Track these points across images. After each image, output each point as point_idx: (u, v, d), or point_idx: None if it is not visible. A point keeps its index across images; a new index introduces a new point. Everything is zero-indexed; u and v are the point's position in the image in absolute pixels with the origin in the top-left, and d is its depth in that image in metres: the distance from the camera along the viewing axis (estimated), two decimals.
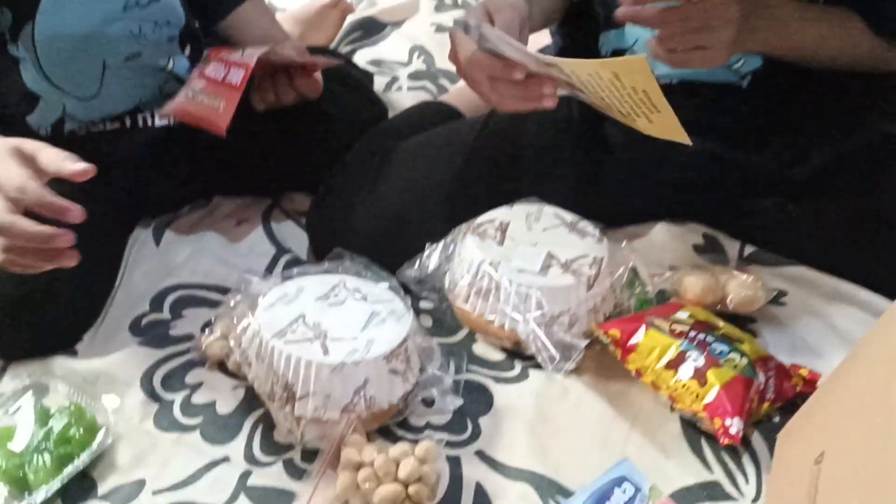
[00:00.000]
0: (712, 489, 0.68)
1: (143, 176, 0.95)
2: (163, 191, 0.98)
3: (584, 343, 0.74)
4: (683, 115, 0.89)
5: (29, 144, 0.64)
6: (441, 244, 0.83)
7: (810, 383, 0.72)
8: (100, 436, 0.71)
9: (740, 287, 0.78)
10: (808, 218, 0.87)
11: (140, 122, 0.95)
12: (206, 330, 0.81)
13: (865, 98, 0.88)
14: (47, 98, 0.89)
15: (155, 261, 0.92)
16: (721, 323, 0.75)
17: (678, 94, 0.88)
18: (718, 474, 0.69)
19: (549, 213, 0.84)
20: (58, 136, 0.91)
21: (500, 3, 0.76)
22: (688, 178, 0.92)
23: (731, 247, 0.91)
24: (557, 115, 0.94)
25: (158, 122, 0.95)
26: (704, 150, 0.89)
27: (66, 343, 0.81)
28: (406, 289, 0.81)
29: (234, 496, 0.68)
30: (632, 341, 0.72)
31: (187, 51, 0.96)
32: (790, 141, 0.89)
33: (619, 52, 0.90)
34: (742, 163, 0.89)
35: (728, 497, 0.67)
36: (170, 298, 0.87)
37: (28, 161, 0.63)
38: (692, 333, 0.72)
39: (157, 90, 0.94)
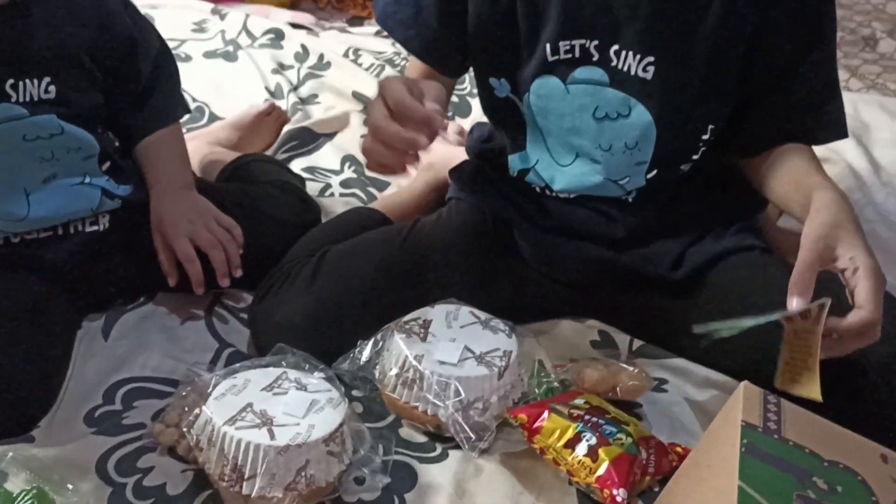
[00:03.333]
0: None
1: (81, 276, 1.03)
2: (103, 289, 1.05)
3: (494, 424, 0.85)
4: (581, 226, 1.05)
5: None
6: (371, 341, 0.94)
7: (684, 458, 0.86)
8: None
9: (628, 378, 0.92)
10: (685, 315, 1.02)
11: (72, 229, 1.02)
12: (158, 418, 0.89)
13: (727, 213, 1.06)
14: None
15: (105, 354, 1.00)
16: (611, 408, 0.88)
17: (576, 205, 1.04)
18: None
19: (466, 311, 0.97)
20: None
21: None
22: (585, 280, 1.07)
23: (623, 341, 1.06)
24: (474, 221, 1.09)
25: (89, 227, 1.03)
26: (599, 256, 1.05)
27: (21, 428, 0.88)
28: (340, 378, 0.92)
29: None
30: (537, 424, 0.84)
31: (106, 166, 1.03)
32: (669, 248, 1.05)
33: (524, 171, 1.05)
34: (630, 267, 1.05)
35: None
36: (121, 391, 0.95)
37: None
38: (587, 417, 0.84)
39: (85, 204, 1.01)
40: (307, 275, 1.01)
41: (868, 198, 1.27)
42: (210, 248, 1.02)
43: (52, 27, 0.95)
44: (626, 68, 0.93)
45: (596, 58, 0.94)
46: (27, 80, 0.93)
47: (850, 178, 1.30)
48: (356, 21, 2.14)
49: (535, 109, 0.99)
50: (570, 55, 0.94)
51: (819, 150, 1.25)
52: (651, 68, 0.92)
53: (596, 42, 0.93)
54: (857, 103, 1.50)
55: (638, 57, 0.92)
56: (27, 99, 0.94)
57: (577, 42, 0.93)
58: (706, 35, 0.91)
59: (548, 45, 0.94)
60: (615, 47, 0.93)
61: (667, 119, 0.95)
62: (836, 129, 0.98)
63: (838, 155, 1.34)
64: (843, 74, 1.88)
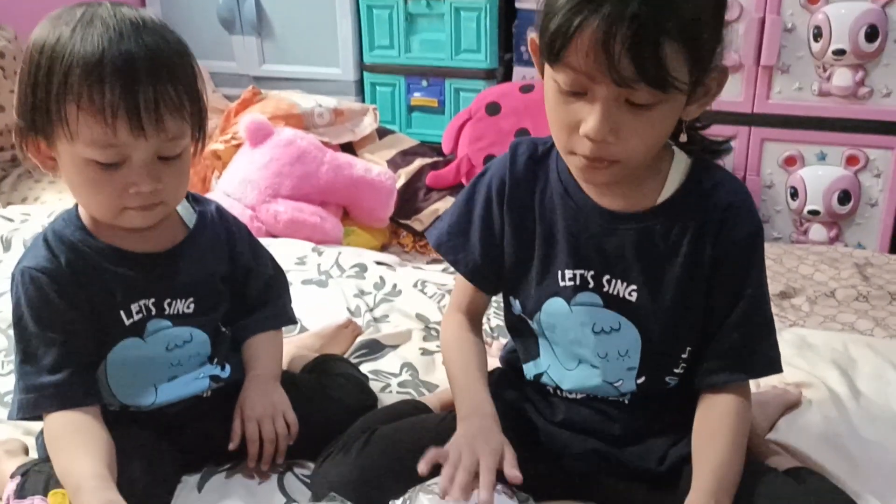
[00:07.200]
0: None
1: (183, 433, 1.32)
2: (199, 448, 1.34)
3: None
4: (585, 423, 1.29)
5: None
6: (400, 500, 1.18)
7: None
8: None
9: None
10: (665, 502, 1.22)
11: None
12: None
13: None
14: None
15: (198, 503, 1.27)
16: None
17: (580, 405, 1.29)
18: None
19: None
20: (123, 411, 1.30)
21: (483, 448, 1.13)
22: (586, 469, 1.29)
23: None
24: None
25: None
26: (598, 449, 1.28)
27: None
28: None
29: None
30: None
31: (215, 360, 1.35)
32: (657, 446, 1.28)
33: (538, 375, 1.32)
34: (624, 460, 1.28)
35: None
36: None
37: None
38: None
39: (198, 389, 1.33)
40: (359, 446, 1.27)
41: (845, 418, 1.46)
42: (267, 442, 1.31)
43: (199, 262, 1.32)
44: (615, 293, 1.22)
45: (591, 285, 1.23)
46: (176, 300, 1.30)
47: (830, 402, 1.50)
48: (435, 263, 2.46)
49: (545, 325, 1.28)
50: (572, 282, 1.24)
51: (802, 376, 1.49)
52: (635, 293, 1.21)
53: (592, 272, 1.23)
54: (846, 343, 1.73)
55: (624, 284, 1.21)
56: (174, 313, 1.29)
57: (578, 272, 1.23)
58: (676, 270, 1.19)
59: (559, 273, 1.24)
60: (606, 277, 1.22)
61: (649, 334, 1.22)
62: (769, 366, 1.22)
63: (821, 381, 1.56)
64: (868, 324, 2.10)
